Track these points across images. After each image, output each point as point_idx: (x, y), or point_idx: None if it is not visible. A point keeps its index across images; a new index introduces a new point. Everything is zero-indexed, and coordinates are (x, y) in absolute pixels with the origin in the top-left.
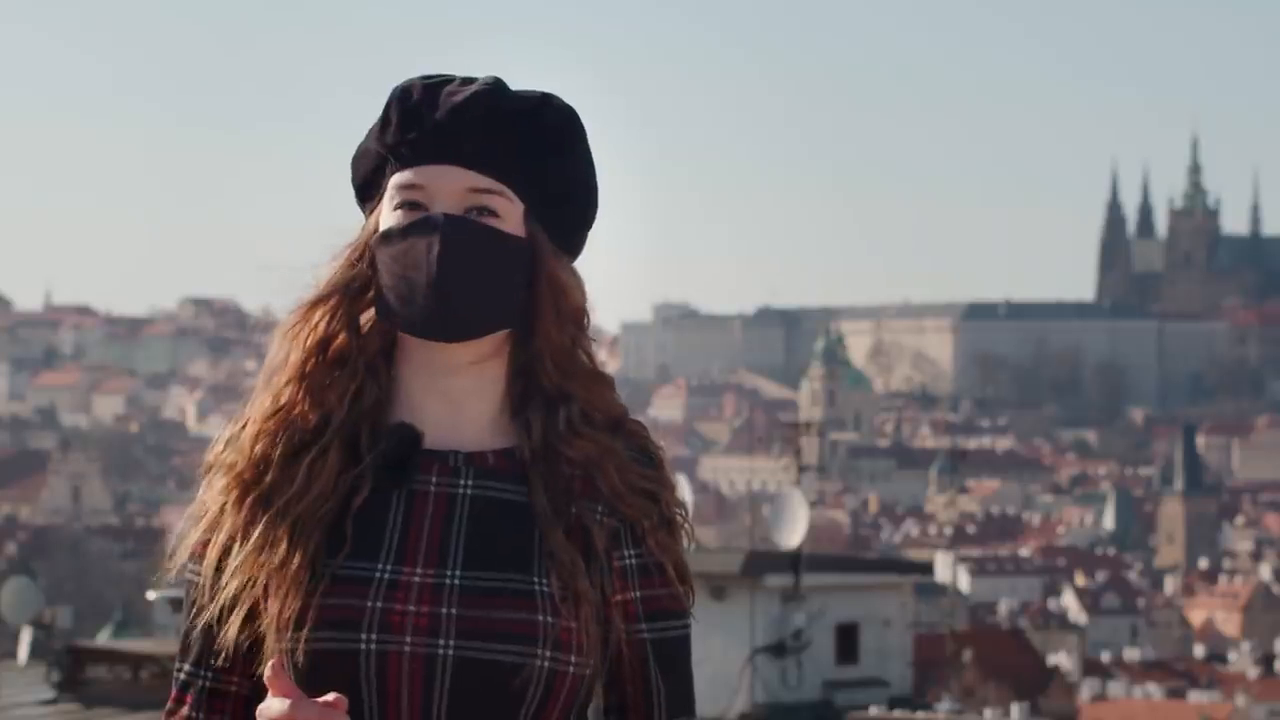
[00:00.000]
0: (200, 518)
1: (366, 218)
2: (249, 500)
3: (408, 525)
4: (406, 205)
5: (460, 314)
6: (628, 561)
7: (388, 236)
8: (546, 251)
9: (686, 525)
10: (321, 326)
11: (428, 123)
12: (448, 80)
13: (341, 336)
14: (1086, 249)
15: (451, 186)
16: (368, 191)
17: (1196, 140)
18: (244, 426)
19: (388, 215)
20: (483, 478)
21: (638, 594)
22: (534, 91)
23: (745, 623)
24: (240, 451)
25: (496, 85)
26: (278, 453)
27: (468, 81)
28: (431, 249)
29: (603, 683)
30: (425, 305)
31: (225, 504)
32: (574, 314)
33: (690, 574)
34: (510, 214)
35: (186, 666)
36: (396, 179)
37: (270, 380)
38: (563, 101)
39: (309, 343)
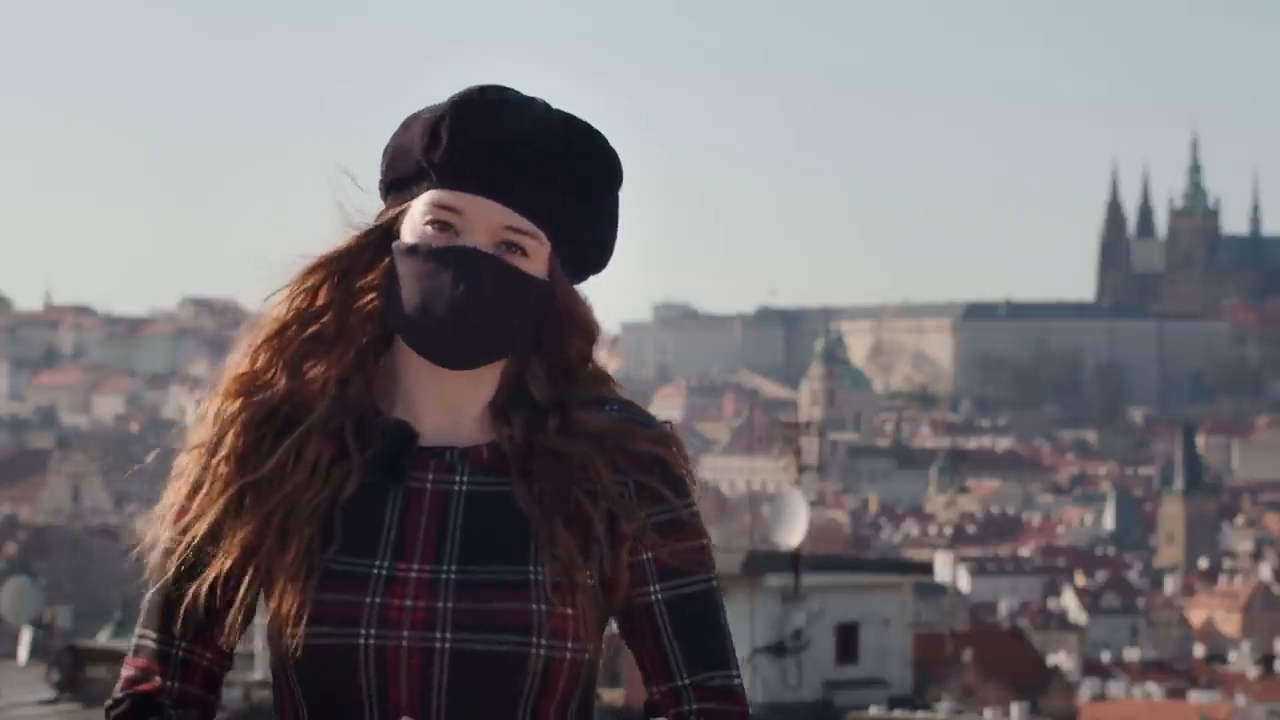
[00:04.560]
0: (178, 481)
1: (386, 205)
2: (229, 477)
3: (404, 522)
4: (438, 225)
5: (470, 347)
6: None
7: (415, 251)
8: (565, 288)
9: (689, 478)
10: (305, 296)
11: (477, 151)
12: (503, 101)
13: (329, 314)
14: (1086, 249)
15: (488, 221)
16: (395, 188)
17: (1196, 140)
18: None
19: (416, 227)
20: (478, 473)
21: (647, 555)
22: (583, 126)
23: (745, 623)
24: (218, 425)
25: (549, 120)
26: (251, 431)
27: (521, 106)
28: (457, 283)
29: (631, 649)
30: (439, 332)
31: (205, 478)
32: (586, 331)
33: (703, 527)
34: (538, 254)
35: (154, 634)
36: (434, 197)
37: (251, 337)
38: (608, 144)
39: (296, 304)
